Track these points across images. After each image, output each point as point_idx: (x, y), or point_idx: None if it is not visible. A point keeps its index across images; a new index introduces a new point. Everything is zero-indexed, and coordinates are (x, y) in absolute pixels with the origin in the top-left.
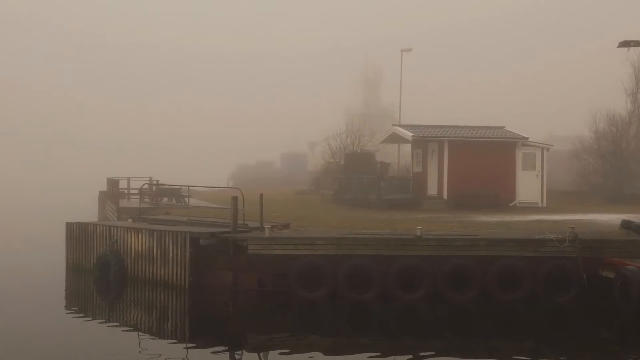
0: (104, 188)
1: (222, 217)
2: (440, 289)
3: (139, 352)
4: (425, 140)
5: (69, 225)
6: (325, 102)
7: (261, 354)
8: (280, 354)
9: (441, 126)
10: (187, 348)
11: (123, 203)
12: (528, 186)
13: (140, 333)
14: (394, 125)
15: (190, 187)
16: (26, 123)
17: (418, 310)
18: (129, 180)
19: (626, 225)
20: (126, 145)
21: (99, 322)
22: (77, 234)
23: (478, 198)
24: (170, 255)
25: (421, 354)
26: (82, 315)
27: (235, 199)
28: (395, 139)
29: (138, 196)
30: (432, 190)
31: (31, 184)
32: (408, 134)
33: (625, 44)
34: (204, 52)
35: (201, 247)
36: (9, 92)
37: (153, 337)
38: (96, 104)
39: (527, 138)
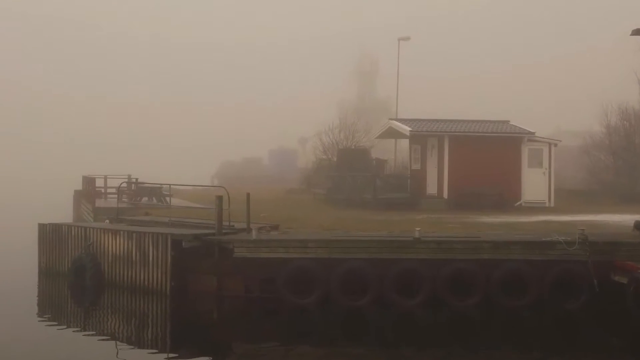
0: (80, 187)
1: (205, 218)
2: (440, 294)
3: None
4: (424, 135)
5: (42, 227)
6: (317, 95)
7: None
8: None
9: (441, 120)
10: (169, 358)
11: (100, 203)
12: (534, 185)
13: (118, 342)
14: (390, 119)
15: (171, 186)
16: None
17: (416, 317)
18: (105, 178)
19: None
20: (102, 141)
21: (74, 331)
22: (51, 235)
23: (481, 197)
24: (150, 259)
25: None
26: (55, 323)
27: (219, 198)
28: (392, 134)
29: (116, 195)
30: (431, 189)
31: (12, 182)
32: (406, 129)
33: (638, 32)
34: (187, 43)
35: (183, 249)
36: None
37: (132, 346)
38: (74, 98)
39: (533, 133)
